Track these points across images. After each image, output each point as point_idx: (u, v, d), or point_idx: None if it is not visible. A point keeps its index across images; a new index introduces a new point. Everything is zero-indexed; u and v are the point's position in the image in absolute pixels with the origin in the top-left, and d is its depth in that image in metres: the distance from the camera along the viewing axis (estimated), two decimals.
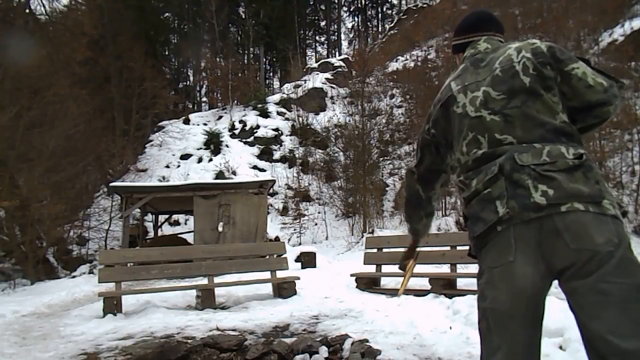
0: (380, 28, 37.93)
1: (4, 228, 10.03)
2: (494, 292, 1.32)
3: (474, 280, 5.43)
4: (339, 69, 24.01)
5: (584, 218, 1.23)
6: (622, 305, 1.17)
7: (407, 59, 22.30)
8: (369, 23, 39.53)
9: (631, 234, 8.87)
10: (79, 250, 12.56)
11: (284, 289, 5.99)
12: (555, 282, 1.31)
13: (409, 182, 1.81)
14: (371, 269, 6.56)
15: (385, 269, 6.42)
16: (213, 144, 18.28)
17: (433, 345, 3.49)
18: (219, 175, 15.97)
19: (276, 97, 21.78)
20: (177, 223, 15.65)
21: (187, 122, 20.85)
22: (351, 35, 40.06)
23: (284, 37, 29.57)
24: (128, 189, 11.55)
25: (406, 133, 17.68)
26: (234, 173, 16.53)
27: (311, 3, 36.59)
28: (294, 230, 14.53)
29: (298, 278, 6.18)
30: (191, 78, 31.71)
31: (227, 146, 18.36)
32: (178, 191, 11.17)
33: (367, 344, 3.50)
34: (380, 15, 39.43)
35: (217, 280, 6.00)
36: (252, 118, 19.93)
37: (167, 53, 29.85)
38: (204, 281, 5.97)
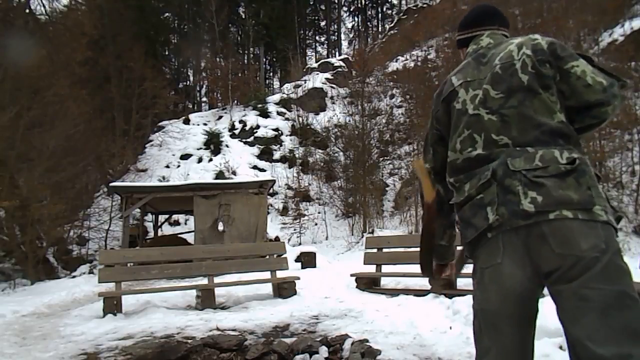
0: (380, 28, 37.92)
1: (4, 228, 10.03)
2: (484, 293, 1.37)
3: None
4: (339, 69, 24.00)
5: (571, 225, 1.22)
6: (602, 311, 1.16)
7: (407, 59, 22.28)
8: (369, 23, 39.52)
9: (631, 234, 8.87)
10: (79, 250, 12.56)
11: (284, 289, 5.99)
12: None
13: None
14: (371, 269, 6.56)
15: (385, 269, 6.42)
16: (213, 144, 18.28)
17: (433, 345, 3.49)
18: (219, 175, 15.97)
19: (276, 97, 21.78)
20: (177, 223, 15.65)
21: (187, 122, 20.85)
22: (351, 35, 40.09)
23: (284, 37, 29.57)
24: (128, 189, 11.55)
25: (406, 133, 17.68)
26: (234, 173, 16.53)
27: (311, 3, 36.58)
28: (294, 230, 14.53)
29: (298, 278, 6.18)
30: (191, 78, 31.72)
31: (227, 146, 18.35)
32: (178, 191, 11.17)
33: (367, 344, 3.50)
34: (380, 15, 39.42)
35: (217, 280, 6.00)
36: (252, 118, 19.93)
37: (167, 53, 29.84)
38: (204, 281, 5.97)
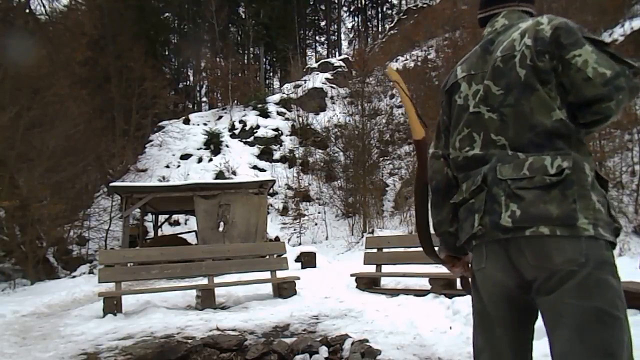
0: (380, 28, 37.91)
1: (4, 228, 10.03)
2: (477, 295, 1.37)
3: None
4: (339, 69, 24.00)
5: (547, 241, 1.17)
6: (576, 329, 1.12)
7: (407, 59, 22.29)
8: (369, 23, 39.52)
9: (631, 234, 8.86)
10: (79, 250, 12.56)
11: (284, 289, 5.99)
12: None
13: (435, 167, 1.57)
14: (371, 269, 6.56)
15: (385, 269, 6.42)
16: (213, 144, 18.28)
17: (433, 345, 3.49)
18: (219, 175, 15.97)
19: (276, 97, 21.78)
20: (177, 223, 15.65)
21: (187, 122, 20.84)
22: (351, 35, 40.08)
23: (284, 37, 29.57)
24: (128, 189, 11.55)
25: (406, 133, 17.66)
26: (234, 173, 16.53)
27: (311, 3, 36.58)
28: (294, 230, 14.53)
29: (298, 278, 6.18)
30: (191, 78, 31.72)
31: (227, 146, 18.35)
32: (178, 191, 11.17)
33: (367, 344, 3.50)
34: (380, 15, 39.42)
35: (217, 280, 6.00)
36: (252, 118, 19.93)
37: (167, 53, 29.85)
38: (204, 281, 5.97)
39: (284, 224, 14.99)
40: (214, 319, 4.66)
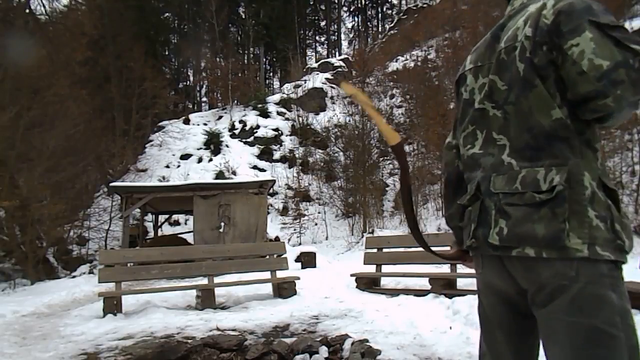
0: (380, 28, 37.96)
1: (4, 228, 10.03)
2: (479, 298, 1.36)
3: (474, 280, 5.43)
4: (339, 69, 24.02)
5: (534, 263, 1.11)
6: (571, 347, 1.04)
7: (407, 59, 22.30)
8: (369, 23, 39.56)
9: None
10: (79, 250, 12.57)
11: (284, 289, 5.99)
12: None
13: (448, 158, 1.48)
14: (371, 269, 6.56)
15: (385, 269, 6.42)
16: (213, 144, 18.29)
17: (433, 345, 3.49)
18: (219, 175, 15.98)
19: (276, 97, 21.79)
20: (177, 223, 15.65)
21: (187, 122, 20.86)
22: (351, 35, 40.13)
23: (284, 37, 29.59)
24: (128, 189, 11.55)
25: (406, 133, 17.68)
26: (234, 173, 16.54)
27: (311, 3, 36.59)
28: (294, 230, 14.53)
29: (298, 278, 6.18)
30: (191, 78, 31.75)
31: (227, 146, 18.36)
32: (178, 191, 11.17)
33: (367, 344, 3.50)
34: (380, 15, 39.46)
35: (217, 280, 6.00)
36: (252, 118, 19.94)
37: (167, 53, 29.88)
38: (204, 281, 5.97)
39: (284, 224, 14.99)
40: (214, 319, 4.66)
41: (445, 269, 6.23)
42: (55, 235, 11.10)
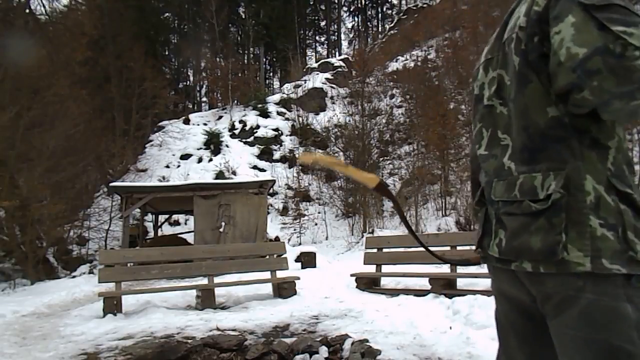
0: (380, 28, 37.97)
1: (4, 228, 10.03)
2: (495, 303, 1.31)
3: (474, 280, 5.46)
4: (339, 69, 24.02)
5: (532, 277, 1.05)
6: None
7: (407, 59, 22.30)
8: (369, 23, 39.57)
9: None
10: (79, 250, 12.56)
11: (284, 289, 5.99)
12: None
13: (472, 153, 1.40)
14: (371, 269, 6.56)
15: (385, 269, 6.42)
16: (213, 144, 18.29)
17: (433, 345, 3.49)
18: (219, 175, 15.98)
19: (276, 97, 21.79)
20: (177, 223, 15.65)
21: (187, 122, 20.86)
22: (351, 35, 40.15)
23: (284, 37, 29.59)
24: (128, 189, 11.55)
25: (406, 133, 17.69)
26: (234, 173, 16.54)
27: (311, 3, 36.60)
28: (294, 230, 14.53)
29: (298, 278, 6.18)
30: (191, 78, 31.77)
31: (227, 146, 18.36)
32: (178, 191, 11.17)
33: (367, 344, 3.50)
34: (380, 15, 39.47)
35: (217, 280, 6.00)
36: (252, 118, 19.94)
37: (167, 53, 29.89)
38: (204, 281, 5.97)
39: (284, 224, 15.00)
40: (214, 319, 4.66)
41: (445, 269, 6.22)
42: (55, 235, 11.10)
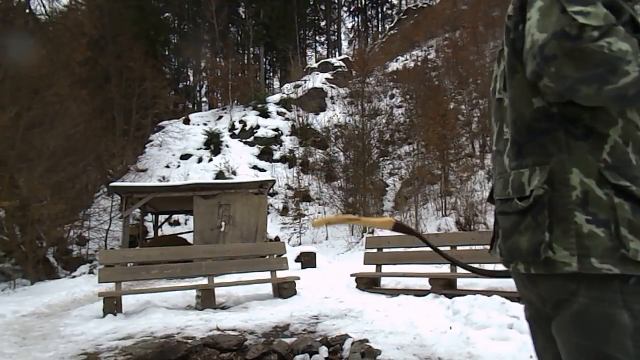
0: (380, 28, 37.96)
1: (4, 228, 10.03)
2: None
3: (474, 280, 5.46)
4: (339, 69, 24.02)
5: (527, 279, 1.04)
6: None
7: (407, 59, 22.30)
8: (369, 23, 39.57)
9: None
10: (79, 250, 12.56)
11: (284, 289, 5.99)
12: None
13: None
14: (371, 269, 6.56)
15: (385, 269, 6.42)
16: (213, 144, 18.29)
17: (433, 345, 3.49)
18: (219, 175, 15.98)
19: (276, 97, 21.79)
20: (177, 223, 15.65)
21: (187, 122, 20.86)
22: (351, 35, 40.14)
23: (284, 37, 29.58)
24: (128, 189, 11.55)
25: (406, 133, 17.69)
26: (234, 173, 16.54)
27: (311, 3, 36.59)
28: (294, 230, 14.52)
29: (298, 278, 6.18)
30: (191, 78, 31.76)
31: (227, 146, 18.36)
32: (178, 191, 11.17)
33: (367, 344, 3.50)
34: (380, 15, 39.46)
35: (217, 280, 6.00)
36: (252, 118, 19.94)
37: (167, 53, 29.88)
38: (204, 281, 5.97)
39: (284, 224, 14.99)
40: (214, 319, 4.66)
41: (445, 269, 6.23)
42: (55, 235, 11.10)
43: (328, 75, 23.34)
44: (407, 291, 5.68)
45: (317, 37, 38.92)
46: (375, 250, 6.69)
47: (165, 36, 29.09)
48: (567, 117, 0.94)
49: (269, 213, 13.57)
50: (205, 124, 20.38)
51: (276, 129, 19.38)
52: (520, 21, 0.98)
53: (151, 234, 14.18)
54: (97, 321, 4.88)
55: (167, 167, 17.59)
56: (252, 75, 26.28)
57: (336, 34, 38.77)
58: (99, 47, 18.20)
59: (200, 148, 18.43)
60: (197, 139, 18.86)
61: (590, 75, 0.82)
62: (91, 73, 16.90)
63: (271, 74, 35.55)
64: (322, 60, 27.18)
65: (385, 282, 6.43)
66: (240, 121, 20.05)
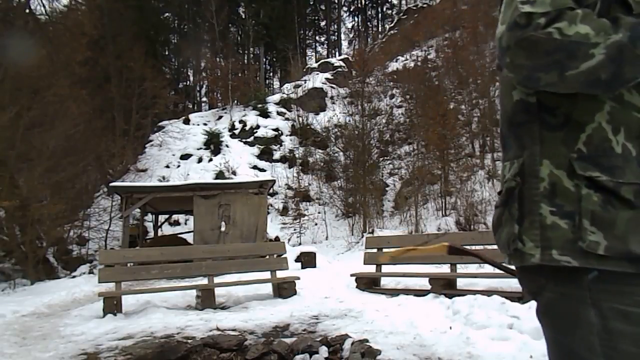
0: (380, 28, 37.96)
1: (4, 228, 10.04)
2: None
3: (474, 280, 5.47)
4: (339, 69, 24.02)
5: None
6: None
7: (407, 59, 22.31)
8: (369, 23, 39.56)
9: None
10: (79, 250, 12.57)
11: (284, 289, 5.99)
12: None
13: None
14: (371, 269, 6.56)
15: (385, 269, 6.42)
16: (213, 144, 18.29)
17: (433, 345, 3.49)
18: (219, 175, 15.98)
19: (276, 97, 21.79)
20: (177, 223, 15.65)
21: (187, 122, 20.86)
22: (351, 35, 40.13)
23: (284, 37, 29.58)
24: (128, 189, 11.55)
25: (406, 133, 17.69)
26: (234, 173, 16.53)
27: (311, 3, 36.58)
28: (294, 230, 14.52)
29: (298, 278, 6.18)
30: (191, 78, 31.76)
31: (227, 146, 18.36)
32: (178, 191, 11.17)
33: (367, 344, 3.50)
34: (380, 15, 39.46)
35: (217, 280, 6.00)
36: (252, 118, 19.94)
37: (167, 53, 29.88)
38: (204, 281, 5.97)
39: (284, 224, 14.99)
40: (214, 319, 4.66)
41: (445, 269, 6.23)
42: (55, 235, 11.10)
43: (328, 75, 23.35)
44: (407, 291, 5.68)
45: (317, 37, 38.92)
46: (375, 250, 6.70)
47: (165, 36, 29.10)
48: (545, 106, 0.92)
49: (269, 213, 13.57)
50: (205, 124, 20.38)
51: (276, 129, 19.38)
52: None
53: (151, 234, 14.18)
54: (97, 321, 4.88)
55: (167, 167, 17.59)
56: (252, 75, 26.28)
57: (336, 34, 38.80)
58: (99, 47, 18.20)
59: (200, 148, 18.43)
60: (197, 139, 18.86)
61: (545, 63, 0.81)
62: (91, 73, 16.90)
63: (271, 74, 35.56)
64: (322, 60, 27.18)
65: (385, 282, 6.43)
66: (240, 121, 20.05)
